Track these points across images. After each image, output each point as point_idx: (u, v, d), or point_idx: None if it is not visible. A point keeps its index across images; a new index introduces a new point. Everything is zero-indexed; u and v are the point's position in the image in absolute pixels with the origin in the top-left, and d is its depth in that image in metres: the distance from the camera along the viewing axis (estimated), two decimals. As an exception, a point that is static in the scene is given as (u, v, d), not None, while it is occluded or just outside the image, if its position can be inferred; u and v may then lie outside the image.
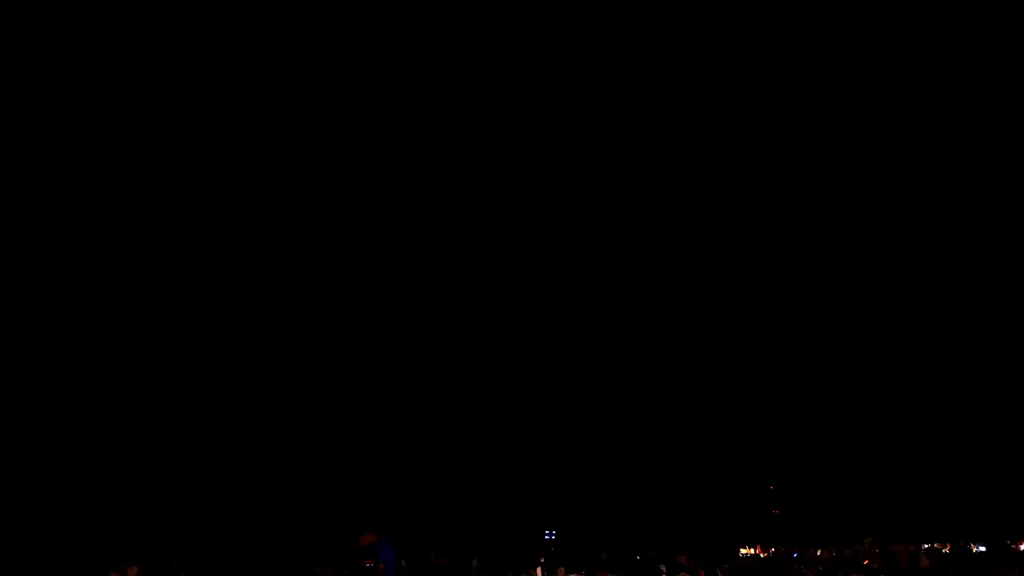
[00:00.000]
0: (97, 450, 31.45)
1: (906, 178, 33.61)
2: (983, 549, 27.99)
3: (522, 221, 38.50)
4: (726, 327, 37.82)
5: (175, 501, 31.96)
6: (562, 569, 18.55)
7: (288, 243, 36.39)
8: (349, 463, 36.46)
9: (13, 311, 30.04)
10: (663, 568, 19.49)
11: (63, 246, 31.12)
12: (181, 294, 34.18)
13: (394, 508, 34.11)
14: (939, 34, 29.46)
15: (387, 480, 36.46)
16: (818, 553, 26.93)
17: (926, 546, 29.42)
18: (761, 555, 33.60)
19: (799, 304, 36.92)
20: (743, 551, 35.06)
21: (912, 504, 33.98)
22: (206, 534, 32.00)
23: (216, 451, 33.44)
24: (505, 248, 38.51)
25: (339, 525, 33.07)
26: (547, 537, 37.12)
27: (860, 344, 36.26)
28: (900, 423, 35.27)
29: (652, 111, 34.36)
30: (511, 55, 32.31)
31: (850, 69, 31.32)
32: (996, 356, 33.51)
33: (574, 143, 35.77)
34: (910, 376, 34.90)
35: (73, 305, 32.09)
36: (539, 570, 19.40)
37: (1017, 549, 26.69)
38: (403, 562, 21.00)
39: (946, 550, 28.51)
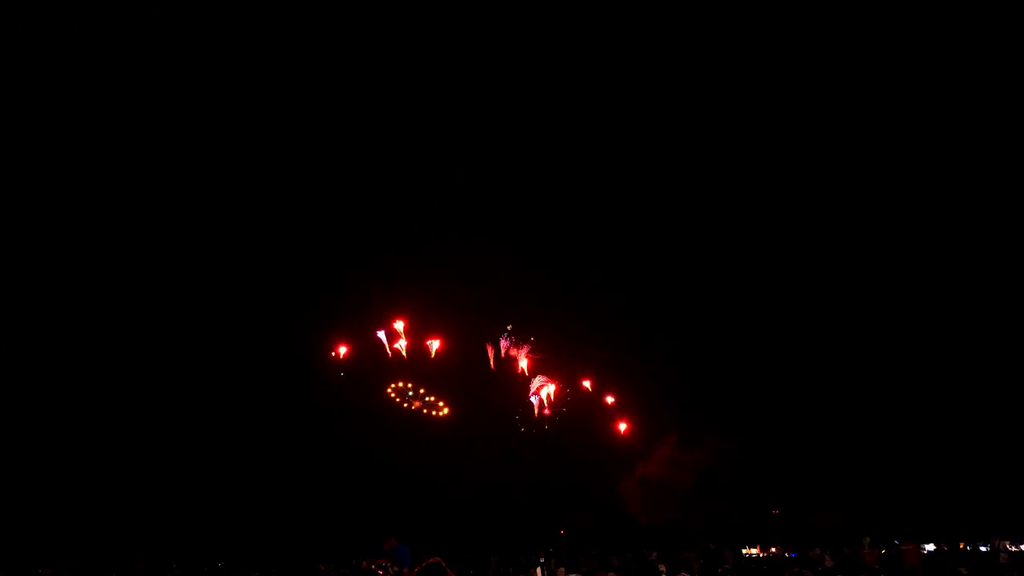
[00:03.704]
0: (103, 451, 31.55)
1: (904, 178, 33.63)
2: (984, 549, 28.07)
3: (517, 220, 38.62)
4: (726, 328, 37.88)
5: (178, 502, 32.08)
6: (562, 569, 18.63)
7: (300, 241, 36.58)
8: (352, 467, 36.63)
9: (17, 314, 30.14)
10: (663, 568, 19.53)
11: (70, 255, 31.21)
12: (194, 294, 34.30)
13: (401, 511, 34.30)
14: (939, 34, 29.54)
15: (390, 483, 36.62)
16: (817, 552, 26.93)
17: (931, 547, 29.51)
18: (761, 555, 33.62)
19: (799, 305, 36.96)
20: (744, 551, 35.12)
21: (913, 504, 34.00)
22: (208, 535, 32.11)
23: (221, 453, 33.56)
24: (507, 251, 38.65)
25: (346, 528, 33.29)
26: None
27: (860, 344, 36.31)
28: (900, 423, 35.30)
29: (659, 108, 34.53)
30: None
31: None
32: (996, 356, 33.55)
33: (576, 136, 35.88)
34: (910, 375, 34.93)
35: (79, 308, 32.23)
36: (539, 570, 19.47)
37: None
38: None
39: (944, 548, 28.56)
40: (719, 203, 36.81)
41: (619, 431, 41.31)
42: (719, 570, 21.11)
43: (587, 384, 41.94)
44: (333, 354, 39.92)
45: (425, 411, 41.06)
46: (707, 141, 35.26)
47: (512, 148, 36.31)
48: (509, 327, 41.75)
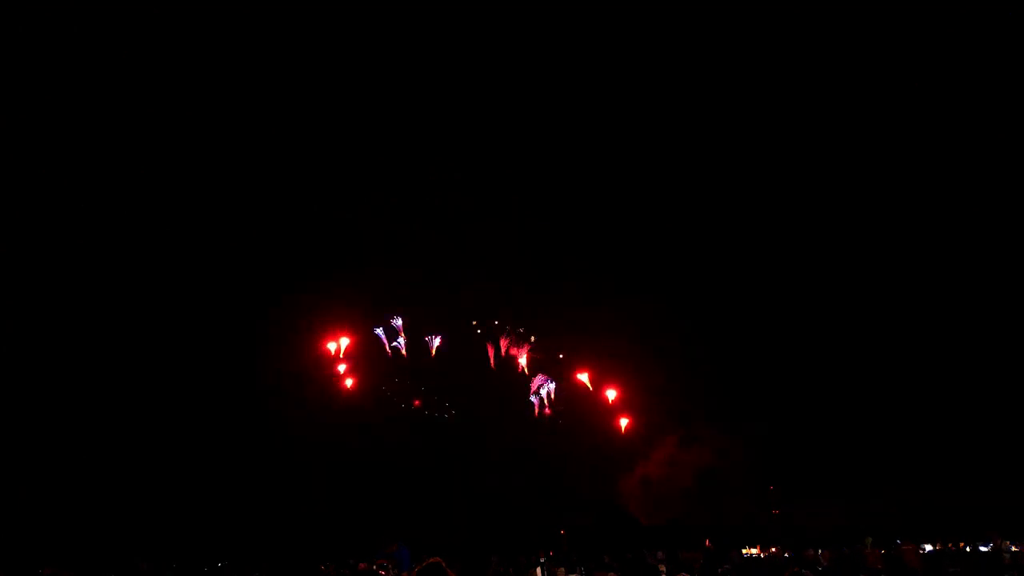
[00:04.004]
0: (103, 451, 31.55)
1: (904, 179, 33.63)
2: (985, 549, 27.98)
3: (517, 220, 38.62)
4: (728, 329, 37.88)
5: (179, 503, 32.10)
6: (562, 569, 18.64)
7: (300, 240, 36.62)
8: (352, 467, 36.63)
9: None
10: (663, 568, 19.52)
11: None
12: (196, 295, 34.34)
13: (401, 511, 34.35)
14: (939, 34, 29.54)
15: (391, 483, 36.64)
16: (818, 553, 26.90)
17: (929, 547, 29.42)
18: (761, 555, 33.60)
19: (801, 306, 36.95)
20: (745, 551, 35.10)
21: (913, 504, 34.00)
22: (209, 535, 32.12)
23: (222, 454, 33.58)
24: (507, 251, 38.71)
25: (346, 528, 33.32)
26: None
27: (861, 342, 36.31)
28: (901, 423, 35.30)
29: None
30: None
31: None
32: (997, 354, 33.55)
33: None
34: (910, 374, 34.94)
35: (80, 309, 32.23)
36: (539, 570, 19.47)
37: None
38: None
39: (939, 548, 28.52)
40: (720, 205, 36.85)
41: (620, 431, 41.36)
42: (719, 570, 21.11)
43: (587, 383, 42.04)
44: (334, 349, 39.96)
45: (427, 412, 41.07)
46: (707, 140, 35.31)
47: (512, 148, 36.35)
48: (509, 326, 41.85)
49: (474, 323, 41.71)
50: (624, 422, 41.24)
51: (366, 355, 40.70)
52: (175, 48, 30.05)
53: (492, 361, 41.67)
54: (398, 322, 40.71)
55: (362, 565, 18.92)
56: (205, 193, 33.32)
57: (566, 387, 41.92)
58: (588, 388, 42.00)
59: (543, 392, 41.33)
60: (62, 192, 30.44)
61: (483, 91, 34.76)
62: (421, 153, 35.99)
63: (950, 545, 29.66)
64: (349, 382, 39.94)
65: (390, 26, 32.00)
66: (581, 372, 41.86)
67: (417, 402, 41.20)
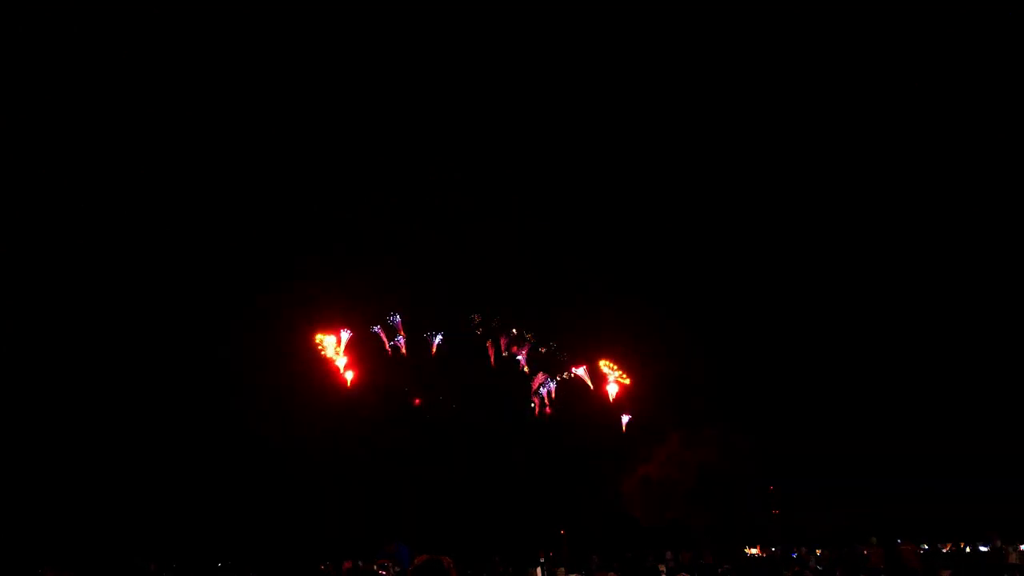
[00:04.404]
0: (103, 451, 31.57)
1: (903, 178, 33.63)
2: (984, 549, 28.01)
3: (517, 220, 38.63)
4: (729, 328, 37.89)
5: (179, 503, 32.10)
6: (562, 569, 18.68)
7: (300, 240, 36.66)
8: (352, 467, 36.63)
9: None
10: (663, 568, 19.59)
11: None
12: (196, 294, 34.37)
13: (400, 511, 34.35)
14: (939, 34, 29.54)
15: (390, 482, 36.63)
16: (818, 553, 26.94)
17: (926, 546, 29.46)
18: (762, 555, 33.63)
19: (800, 303, 36.95)
20: (746, 551, 35.14)
21: (915, 503, 33.98)
22: (210, 535, 32.13)
23: (221, 453, 33.60)
24: (507, 251, 38.72)
25: (346, 528, 33.32)
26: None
27: (862, 342, 36.32)
28: (902, 423, 35.28)
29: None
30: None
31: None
32: (997, 353, 33.56)
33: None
34: (912, 375, 34.93)
35: (81, 309, 32.26)
36: (539, 570, 19.50)
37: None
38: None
39: (946, 549, 28.54)
40: (721, 205, 36.83)
41: (621, 430, 41.38)
42: (719, 570, 21.17)
43: (588, 381, 42.07)
44: (333, 344, 39.94)
45: (427, 411, 41.08)
46: (708, 139, 35.32)
47: (512, 148, 36.35)
48: (509, 325, 41.86)
49: (474, 322, 41.71)
50: (625, 419, 41.31)
51: (366, 354, 40.70)
52: (175, 48, 30.07)
53: (492, 360, 41.69)
54: (397, 320, 40.76)
55: (347, 564, 18.78)
56: (205, 191, 33.36)
57: (566, 386, 41.93)
58: (589, 387, 42.04)
59: (543, 391, 41.36)
60: (62, 192, 30.44)
61: (482, 91, 34.78)
62: (421, 153, 35.98)
63: (949, 546, 29.70)
64: (349, 375, 39.89)
65: (389, 26, 32.02)
66: (578, 366, 41.94)
67: (417, 401, 41.21)
